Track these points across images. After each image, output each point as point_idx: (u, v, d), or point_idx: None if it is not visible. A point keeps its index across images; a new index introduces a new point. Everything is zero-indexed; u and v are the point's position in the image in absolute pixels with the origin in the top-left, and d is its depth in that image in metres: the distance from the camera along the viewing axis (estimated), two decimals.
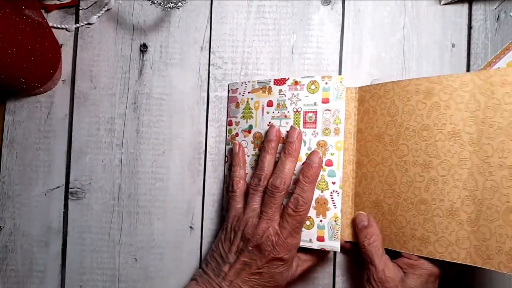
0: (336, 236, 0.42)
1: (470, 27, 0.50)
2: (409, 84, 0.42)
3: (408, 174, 0.41)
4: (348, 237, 0.45)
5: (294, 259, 0.43)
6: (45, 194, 0.49)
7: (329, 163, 0.43)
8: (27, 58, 0.42)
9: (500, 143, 0.36)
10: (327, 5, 0.50)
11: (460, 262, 0.38)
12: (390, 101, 0.43)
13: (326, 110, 0.43)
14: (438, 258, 0.39)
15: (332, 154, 0.43)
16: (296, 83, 0.45)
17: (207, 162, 0.49)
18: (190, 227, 0.49)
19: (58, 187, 0.49)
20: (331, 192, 0.42)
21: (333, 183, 0.42)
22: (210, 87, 0.50)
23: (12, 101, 0.49)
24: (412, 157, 0.41)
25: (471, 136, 0.38)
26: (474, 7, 0.50)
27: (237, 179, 0.45)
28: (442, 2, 0.50)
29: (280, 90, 0.45)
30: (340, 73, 0.50)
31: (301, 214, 0.40)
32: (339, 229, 0.42)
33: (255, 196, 0.42)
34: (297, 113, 0.44)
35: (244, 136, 0.47)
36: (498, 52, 0.49)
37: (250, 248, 0.40)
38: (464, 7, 0.50)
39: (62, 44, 0.50)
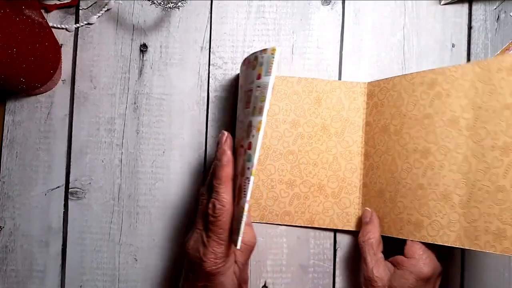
0: (238, 230, 0.35)
1: (470, 27, 0.50)
2: (416, 76, 0.43)
3: (408, 161, 0.42)
4: (357, 227, 0.47)
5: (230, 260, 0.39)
6: (45, 194, 0.49)
7: (249, 146, 0.36)
8: (27, 58, 0.42)
9: (493, 125, 0.37)
10: (327, 5, 0.50)
11: (450, 245, 0.38)
12: (397, 93, 0.44)
13: (257, 87, 0.37)
14: (430, 242, 0.40)
15: (252, 136, 0.36)
16: (248, 61, 0.41)
17: (207, 162, 0.49)
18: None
19: (58, 187, 0.49)
20: (245, 179, 0.36)
21: (248, 168, 0.36)
22: (210, 87, 0.50)
23: (12, 101, 0.49)
24: (413, 144, 0.42)
25: (468, 121, 0.38)
26: (474, 7, 0.50)
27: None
28: (442, 2, 0.50)
29: (242, 72, 0.44)
30: (340, 73, 0.50)
31: (221, 219, 0.36)
32: (242, 222, 0.34)
33: None
34: (242, 93, 0.42)
35: None
36: (498, 52, 0.49)
37: (186, 262, 0.39)
38: (464, 7, 0.50)
39: (62, 44, 0.50)
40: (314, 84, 0.48)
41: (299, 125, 0.48)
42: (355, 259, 0.48)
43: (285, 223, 0.48)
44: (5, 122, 0.49)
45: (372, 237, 0.42)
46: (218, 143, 0.39)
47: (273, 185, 0.47)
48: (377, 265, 0.41)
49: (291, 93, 0.48)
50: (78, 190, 0.49)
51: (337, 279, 0.48)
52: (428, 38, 0.50)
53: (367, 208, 0.45)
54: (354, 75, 0.50)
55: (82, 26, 0.50)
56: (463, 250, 0.48)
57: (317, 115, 0.48)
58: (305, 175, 0.48)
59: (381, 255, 0.42)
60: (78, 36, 0.50)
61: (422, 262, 0.40)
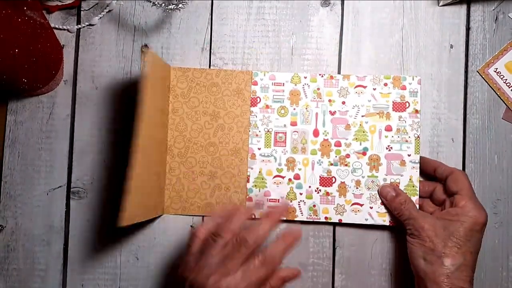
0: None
1: (468, 28, 0.50)
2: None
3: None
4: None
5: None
6: (47, 194, 0.49)
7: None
8: (29, 59, 0.42)
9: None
10: (326, 6, 0.51)
11: None
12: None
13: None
14: None
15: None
16: None
17: None
18: (191, 226, 0.49)
19: (60, 186, 0.49)
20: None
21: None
22: None
23: (14, 102, 0.50)
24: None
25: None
26: (472, 8, 0.50)
27: None
28: (441, 3, 0.50)
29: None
30: (339, 74, 0.50)
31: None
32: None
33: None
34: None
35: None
36: (497, 53, 0.50)
37: None
38: (463, 8, 0.50)
39: (64, 45, 0.50)
40: (234, 76, 0.49)
41: (219, 117, 0.49)
42: (355, 258, 0.48)
43: (206, 214, 0.48)
44: (7, 122, 0.50)
45: (410, 201, 0.44)
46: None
47: (194, 178, 0.48)
48: (425, 216, 0.42)
49: (210, 85, 0.49)
50: (79, 189, 0.49)
51: (336, 278, 0.49)
52: (426, 39, 0.50)
53: (386, 184, 0.47)
54: None
55: (83, 27, 0.50)
56: None
57: (237, 106, 0.49)
58: (226, 166, 0.48)
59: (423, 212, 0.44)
60: (80, 37, 0.50)
61: (478, 206, 0.41)
